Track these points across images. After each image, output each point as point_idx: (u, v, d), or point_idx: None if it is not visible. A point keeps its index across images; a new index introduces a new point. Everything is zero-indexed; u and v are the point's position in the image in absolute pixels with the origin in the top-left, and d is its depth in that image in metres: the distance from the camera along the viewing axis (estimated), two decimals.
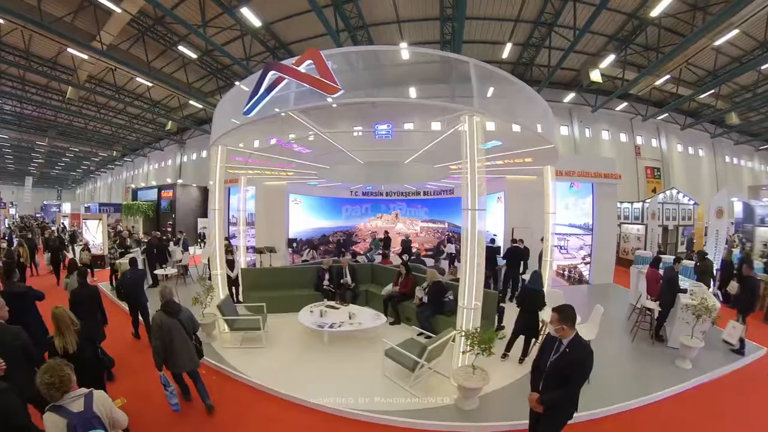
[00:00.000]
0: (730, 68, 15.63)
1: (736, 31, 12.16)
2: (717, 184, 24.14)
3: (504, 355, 5.18)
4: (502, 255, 9.34)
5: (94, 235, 12.92)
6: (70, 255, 12.05)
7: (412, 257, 10.40)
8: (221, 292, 6.36)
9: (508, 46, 14.75)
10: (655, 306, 6.20)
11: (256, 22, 12.69)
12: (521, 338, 5.16)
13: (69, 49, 14.29)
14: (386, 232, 13.84)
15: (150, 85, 18.14)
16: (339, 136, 6.41)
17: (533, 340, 5.14)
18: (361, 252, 13.88)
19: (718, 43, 13.11)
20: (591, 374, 4.56)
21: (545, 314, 5.13)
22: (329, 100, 4.07)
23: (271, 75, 4.33)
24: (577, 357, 2.69)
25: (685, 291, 5.97)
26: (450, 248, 12.65)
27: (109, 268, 10.15)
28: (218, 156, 6.21)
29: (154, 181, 26.79)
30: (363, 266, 8.81)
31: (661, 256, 8.39)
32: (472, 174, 4.36)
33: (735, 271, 7.38)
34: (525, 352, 5.15)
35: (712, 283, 8.28)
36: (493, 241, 10.27)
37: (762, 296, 7.72)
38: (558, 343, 2.80)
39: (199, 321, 5.22)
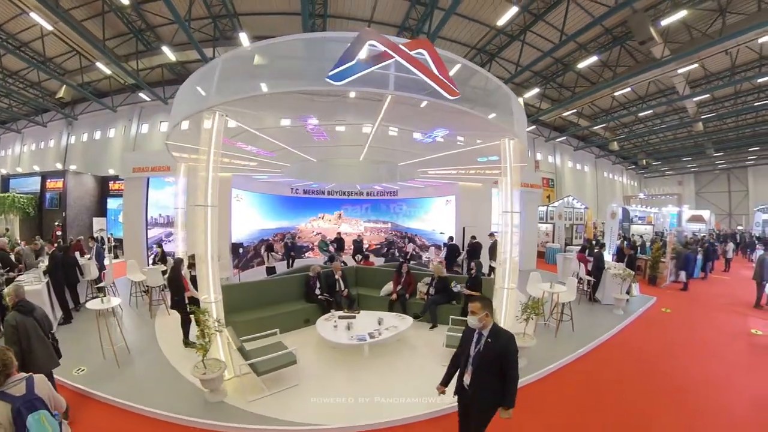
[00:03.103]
0: (618, 111, 21.76)
1: (629, 89, 17.44)
2: (597, 193, 32.04)
3: None
4: (464, 250, 11.21)
5: None
6: None
7: (388, 258, 11.32)
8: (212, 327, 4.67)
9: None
10: (589, 278, 9.10)
11: None
12: None
13: None
14: (338, 233, 14.24)
15: (49, 29, 13.55)
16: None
17: None
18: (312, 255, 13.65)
19: (616, 93, 18.35)
20: (564, 326, 6.90)
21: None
22: (449, 98, 4.03)
23: (370, 47, 3.86)
24: (502, 344, 2.80)
25: (605, 267, 9.00)
26: (410, 247, 13.88)
27: None
28: (214, 126, 4.65)
29: (36, 167, 21.11)
30: (348, 270, 8.48)
31: (586, 245, 11.72)
32: (512, 184, 5.75)
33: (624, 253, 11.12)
34: None
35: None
36: (451, 239, 11.85)
37: (644, 268, 11.96)
38: (479, 335, 2.90)
39: (202, 375, 4.24)
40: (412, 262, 12.85)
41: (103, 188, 18.91)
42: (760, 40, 12.06)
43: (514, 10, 11.56)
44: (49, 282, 6.83)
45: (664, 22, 11.54)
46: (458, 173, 10.43)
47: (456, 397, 3.15)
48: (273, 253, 10.76)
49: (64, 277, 7.13)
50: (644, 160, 34.42)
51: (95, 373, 4.90)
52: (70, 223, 17.00)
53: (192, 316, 5.74)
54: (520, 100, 19.77)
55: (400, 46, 3.92)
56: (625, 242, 13.40)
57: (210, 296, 4.75)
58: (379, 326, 5.79)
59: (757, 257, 9.63)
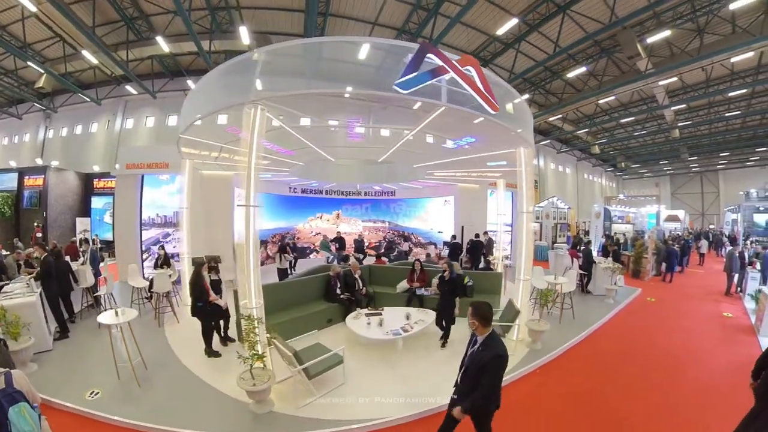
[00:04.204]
0: (601, 116, 23.48)
1: (613, 97, 19.13)
2: (578, 194, 33.97)
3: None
4: (465, 248, 12.10)
5: None
6: None
7: (392, 258, 12.06)
8: (262, 334, 4.57)
9: None
10: (582, 272, 10.22)
11: None
12: None
13: None
14: (338, 233, 14.73)
15: (32, 10, 12.77)
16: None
17: None
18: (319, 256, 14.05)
19: (600, 101, 19.87)
20: (566, 314, 7.80)
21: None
22: (490, 113, 4.66)
23: (429, 60, 4.26)
24: (488, 356, 2.79)
25: (594, 262, 10.25)
26: (405, 246, 14.71)
27: None
28: (256, 121, 4.59)
29: (13, 162, 20.22)
30: (362, 268, 8.74)
31: (576, 242, 13.26)
32: (527, 188, 6.58)
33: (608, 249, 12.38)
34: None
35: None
36: (454, 237, 12.69)
37: (627, 263, 13.05)
38: (474, 338, 2.99)
39: (252, 387, 4.09)
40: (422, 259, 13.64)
41: (87, 186, 18.22)
42: (733, 59, 13.66)
43: (513, 21, 12.49)
44: (42, 292, 6.08)
45: (650, 40, 12.89)
46: (462, 175, 11.25)
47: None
48: (285, 255, 10.73)
49: (58, 282, 6.46)
50: (623, 163, 36.85)
51: (113, 396, 4.43)
52: (51, 223, 16.24)
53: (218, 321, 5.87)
54: (509, 105, 21.19)
55: (454, 62, 4.42)
56: (610, 240, 14.89)
57: (252, 301, 4.60)
58: (408, 321, 6.21)
59: (727, 252, 11.17)
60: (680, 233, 21.37)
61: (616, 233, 19.73)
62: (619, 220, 23.31)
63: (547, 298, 6.29)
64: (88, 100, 20.30)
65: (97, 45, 14.22)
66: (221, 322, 6.21)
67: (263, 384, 4.12)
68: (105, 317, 4.95)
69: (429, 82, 4.27)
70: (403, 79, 4.14)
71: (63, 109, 22.13)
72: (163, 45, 15.19)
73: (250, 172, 4.60)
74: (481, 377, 2.81)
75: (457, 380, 3.14)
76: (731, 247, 11.94)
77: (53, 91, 21.06)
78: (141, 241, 11.35)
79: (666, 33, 12.46)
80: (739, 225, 21.29)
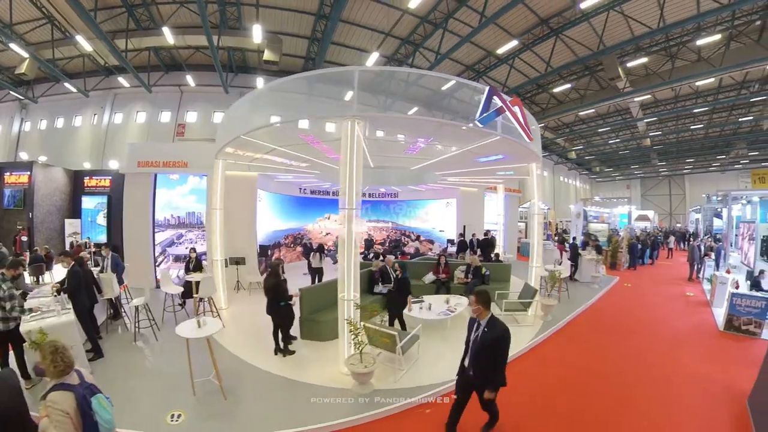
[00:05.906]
0: (579, 125, 26.97)
1: (593, 110, 22.18)
2: (554, 196, 37.37)
3: None
4: (476, 245, 13.94)
5: None
6: None
7: (417, 256, 13.84)
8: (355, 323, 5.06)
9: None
10: (570, 262, 12.54)
11: None
12: None
13: None
14: None
15: None
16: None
17: None
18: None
19: (581, 113, 23.00)
20: (563, 295, 10.02)
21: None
22: (526, 141, 6.39)
23: (494, 100, 5.57)
24: (496, 334, 3.30)
25: (579, 255, 12.51)
26: (415, 244, 16.45)
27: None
28: (355, 133, 5.19)
29: None
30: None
31: (563, 238, 15.88)
32: (538, 196, 8.62)
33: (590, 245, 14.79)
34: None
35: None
36: (461, 235, 14.52)
37: (605, 256, 15.47)
38: (477, 323, 3.42)
39: (363, 369, 4.63)
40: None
41: (77, 184, 17.07)
42: (697, 83, 16.69)
43: (514, 42, 14.50)
44: (72, 302, 5.67)
45: (630, 65, 15.55)
46: (471, 180, 13.08)
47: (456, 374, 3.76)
48: (322, 254, 11.31)
49: (86, 291, 6.09)
50: (597, 167, 40.80)
51: (200, 415, 4.18)
52: (38, 225, 15.21)
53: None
54: None
55: (508, 102, 5.85)
56: (591, 236, 17.52)
57: (350, 294, 5.26)
58: (449, 304, 7.56)
59: (689, 246, 14.06)
60: (649, 231, 24.68)
61: (587, 232, 22.73)
62: (594, 220, 26.43)
63: (555, 279, 8.56)
64: (74, 90, 19.42)
65: (95, 31, 13.48)
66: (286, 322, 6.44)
67: (372, 365, 4.72)
68: (185, 330, 4.61)
69: (495, 119, 5.78)
70: (481, 116, 5.54)
71: (43, 99, 21.28)
72: (169, 36, 14.97)
73: (352, 177, 5.22)
74: (497, 354, 3.33)
75: (462, 364, 3.68)
76: (692, 242, 14.78)
77: (33, 79, 19.26)
78: (154, 244, 11.32)
79: (644, 60, 15.10)
80: (701, 224, 24.82)
